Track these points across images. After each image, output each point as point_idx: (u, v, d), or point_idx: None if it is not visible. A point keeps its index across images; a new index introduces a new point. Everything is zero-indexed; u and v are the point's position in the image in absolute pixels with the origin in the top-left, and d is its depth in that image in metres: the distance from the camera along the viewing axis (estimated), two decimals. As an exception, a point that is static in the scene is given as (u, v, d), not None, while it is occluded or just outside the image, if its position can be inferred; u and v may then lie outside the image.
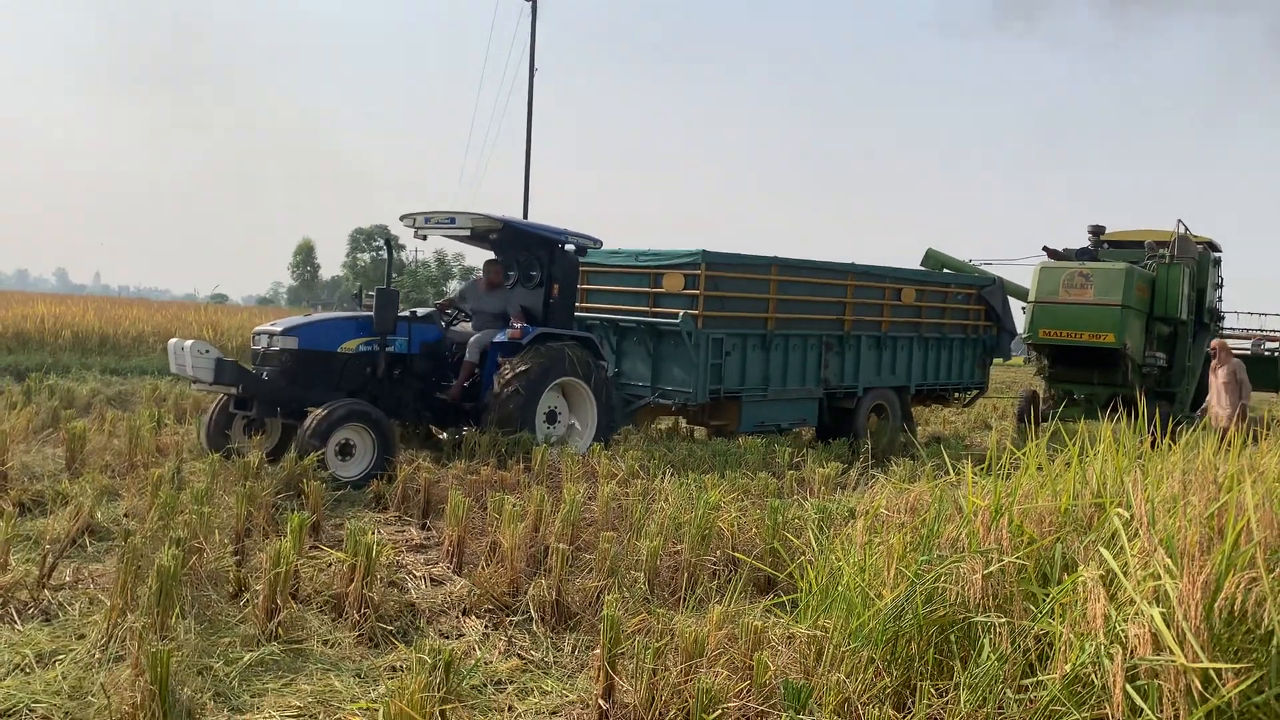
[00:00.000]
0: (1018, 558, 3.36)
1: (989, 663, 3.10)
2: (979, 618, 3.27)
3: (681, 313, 11.04)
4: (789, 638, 3.99)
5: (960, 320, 14.82)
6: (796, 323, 12.27)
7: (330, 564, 6.04)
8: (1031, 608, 3.26)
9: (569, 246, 10.74)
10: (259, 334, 9.56)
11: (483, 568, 5.79)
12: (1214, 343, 12.62)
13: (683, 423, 13.39)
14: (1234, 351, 13.37)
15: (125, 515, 6.94)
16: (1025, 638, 3.15)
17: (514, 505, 6.16)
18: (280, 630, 4.61)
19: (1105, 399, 17.58)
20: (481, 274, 11.05)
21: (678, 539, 5.75)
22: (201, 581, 5.09)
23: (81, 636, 4.50)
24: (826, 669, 3.54)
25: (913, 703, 3.25)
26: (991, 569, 3.35)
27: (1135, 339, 16.97)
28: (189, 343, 9.04)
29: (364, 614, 4.86)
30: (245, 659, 4.32)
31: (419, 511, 7.65)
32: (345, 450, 8.81)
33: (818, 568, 4.33)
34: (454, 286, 72.77)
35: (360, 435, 8.89)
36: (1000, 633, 3.15)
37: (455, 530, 6.29)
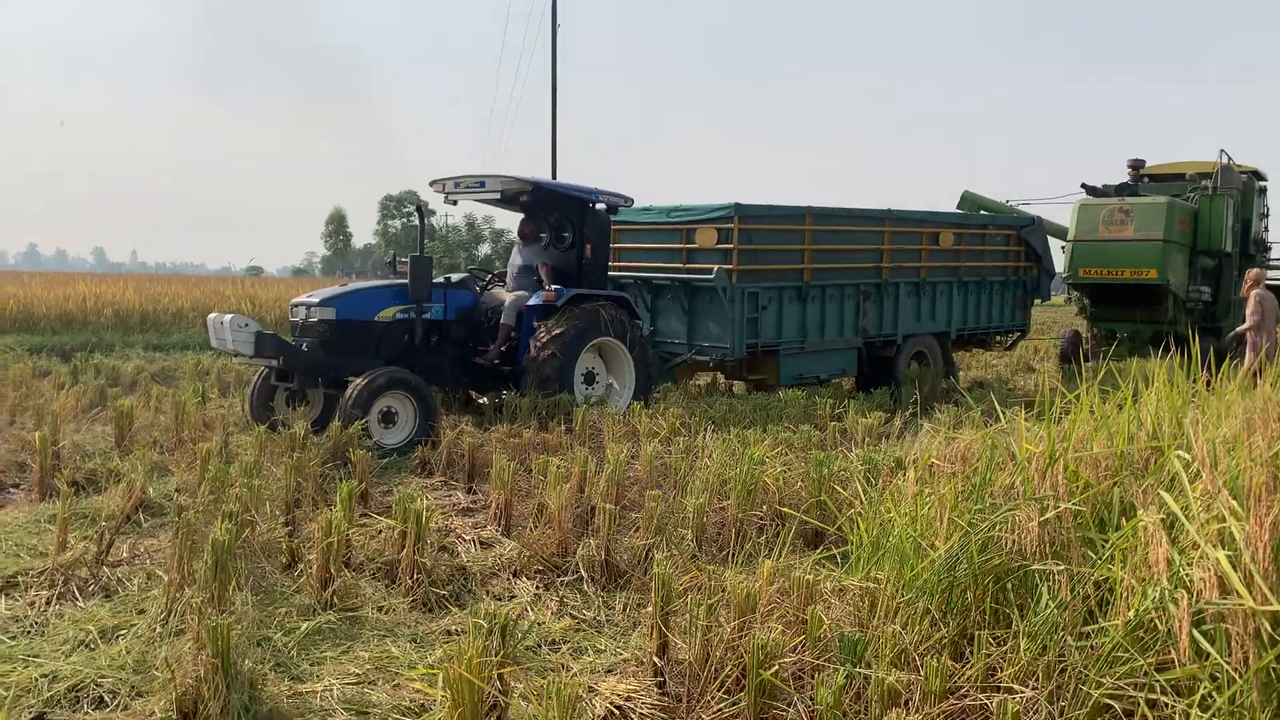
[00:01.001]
0: (1075, 504, 3.31)
1: (1048, 610, 3.07)
2: (1036, 565, 3.22)
3: (716, 268, 10.96)
4: (841, 591, 3.97)
5: (999, 262, 14.61)
6: (833, 273, 12.15)
7: (380, 531, 6.10)
8: (1090, 554, 3.22)
9: (600, 205, 10.67)
10: (296, 306, 9.61)
11: (530, 530, 5.82)
12: (1249, 272, 12.27)
13: (720, 378, 13.36)
14: (1270, 283, 12.95)
15: (176, 490, 7.04)
16: (1084, 584, 3.11)
17: (558, 467, 6.17)
18: (335, 599, 4.66)
19: (1149, 337, 17.33)
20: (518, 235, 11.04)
21: (723, 495, 5.74)
22: (255, 553, 5.15)
23: (142, 611, 4.58)
24: (881, 621, 3.52)
25: (970, 652, 3.23)
26: (1048, 516, 3.30)
27: (1179, 274, 16.65)
28: (228, 317, 9.11)
29: (417, 580, 4.90)
30: (303, 628, 4.37)
31: (464, 476, 7.70)
32: (388, 418, 8.87)
33: (868, 520, 4.30)
34: (485, 250, 72.97)
35: (402, 402, 8.94)
36: (1059, 580, 3.11)
37: (501, 493, 6.33)
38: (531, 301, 10.14)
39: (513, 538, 6.19)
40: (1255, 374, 11.37)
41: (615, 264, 11.80)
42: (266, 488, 6.17)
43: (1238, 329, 11.80)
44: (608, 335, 10.18)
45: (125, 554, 5.60)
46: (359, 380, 8.78)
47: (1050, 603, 3.10)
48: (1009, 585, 3.35)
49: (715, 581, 3.92)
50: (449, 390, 10.53)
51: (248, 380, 10.33)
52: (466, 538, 6.19)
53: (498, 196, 10.29)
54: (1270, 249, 20.01)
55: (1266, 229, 19.48)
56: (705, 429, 8.14)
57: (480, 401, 10.95)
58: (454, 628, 4.53)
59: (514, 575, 5.41)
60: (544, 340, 9.79)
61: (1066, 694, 2.87)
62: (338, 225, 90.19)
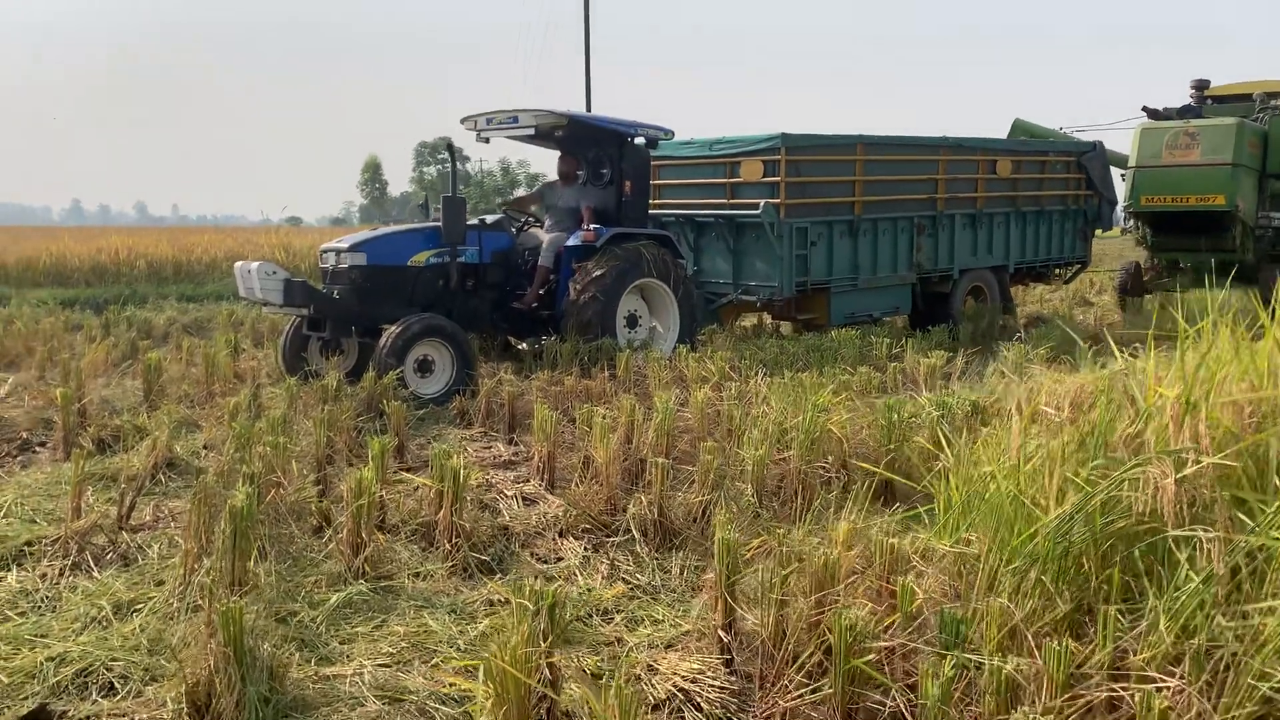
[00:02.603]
0: (1222, 458, 2.82)
1: (1192, 585, 2.59)
2: (1176, 531, 2.74)
3: (763, 203, 10.39)
4: (928, 555, 3.52)
5: (1059, 191, 13.87)
6: (885, 205, 11.53)
7: (416, 489, 5.73)
8: (1241, 517, 2.73)
9: (639, 140, 10.12)
10: (326, 252, 9.21)
11: (576, 485, 5.41)
12: None
13: (767, 319, 12.85)
14: None
15: (205, 447, 6.71)
16: (1236, 554, 2.63)
17: (604, 417, 5.74)
18: (367, 567, 4.29)
19: (1215, 267, 16.51)
20: (557, 172, 10.52)
21: (783, 445, 5.28)
22: (282, 517, 4.79)
23: (160, 583, 4.23)
24: (983, 594, 3.06)
25: (1093, 631, 2.77)
26: (1188, 472, 2.82)
27: (1248, 199, 15.77)
28: (255, 264, 8.73)
29: (455, 544, 4.51)
30: (332, 600, 4.00)
31: (504, 426, 7.32)
32: (424, 367, 8.49)
33: (957, 474, 3.83)
34: (519, 193, 72.27)
35: (438, 350, 8.55)
36: (1208, 549, 2.63)
37: (544, 446, 5.92)
38: (570, 242, 9.67)
39: (557, 493, 5.80)
40: None
41: (655, 201, 11.26)
42: (296, 444, 5.81)
43: None
44: (650, 276, 9.70)
45: (148, 517, 5.27)
46: (393, 328, 8.40)
47: (1194, 575, 2.62)
48: (1137, 553, 2.88)
49: (786, 546, 3.47)
50: (486, 337, 10.13)
51: (281, 330, 9.98)
52: (508, 493, 5.81)
53: (531, 132, 9.76)
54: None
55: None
56: (756, 373, 7.67)
57: (519, 347, 10.54)
58: (496, 597, 4.14)
59: (560, 535, 5.02)
60: (584, 283, 9.33)
61: (1222, 686, 2.41)
62: (373, 174, 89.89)
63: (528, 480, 6.10)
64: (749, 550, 3.74)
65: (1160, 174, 15.88)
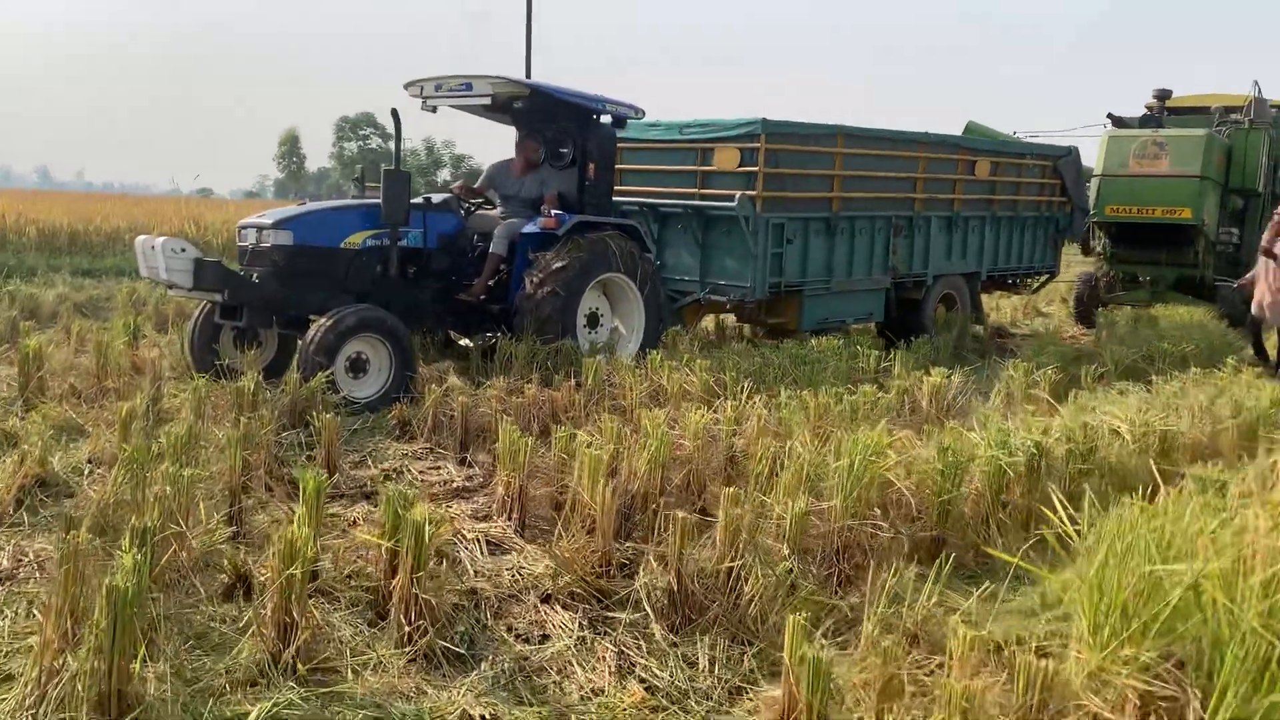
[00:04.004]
0: None
1: None
2: None
3: (738, 194, 9.41)
4: (1096, 680, 2.57)
5: (1034, 196, 13.19)
6: (864, 202, 10.66)
7: (357, 526, 4.65)
8: None
9: (605, 118, 9.06)
10: (246, 228, 7.96)
11: (558, 535, 4.36)
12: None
13: (727, 319, 11.91)
14: None
15: (89, 462, 5.48)
16: None
17: (591, 447, 4.71)
18: (299, 661, 3.18)
19: (1174, 281, 16.11)
20: (515, 154, 9.37)
21: (816, 491, 4.30)
22: (184, 577, 3.65)
23: (8, 678, 3.08)
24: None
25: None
26: None
27: (1211, 214, 15.39)
28: (160, 240, 7.45)
29: (417, 624, 3.43)
30: (251, 718, 2.90)
31: (455, 442, 6.23)
32: (357, 366, 7.34)
33: (1096, 558, 2.90)
34: (443, 176, 70.24)
35: (374, 347, 7.41)
36: None
37: (513, 477, 4.86)
38: (528, 229, 8.57)
39: (529, 537, 4.76)
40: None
41: (616, 187, 10.20)
42: (204, 469, 4.64)
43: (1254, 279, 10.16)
44: (616, 271, 8.66)
45: (5, 563, 4.08)
46: (322, 320, 7.24)
47: None
48: None
49: (894, 665, 2.49)
50: (426, 332, 8.97)
51: (190, 314, 8.70)
52: (468, 534, 4.74)
53: (487, 102, 8.62)
54: (1300, 192, 18.85)
55: (1293, 168, 18.28)
56: (744, 388, 6.70)
57: (462, 343, 9.41)
58: (473, 706, 3.08)
59: (544, 601, 3.97)
60: (543, 275, 8.25)
61: None
62: (291, 147, 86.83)
63: (490, 516, 5.05)
64: (854, 676, 2.75)
65: (1126, 184, 15.37)
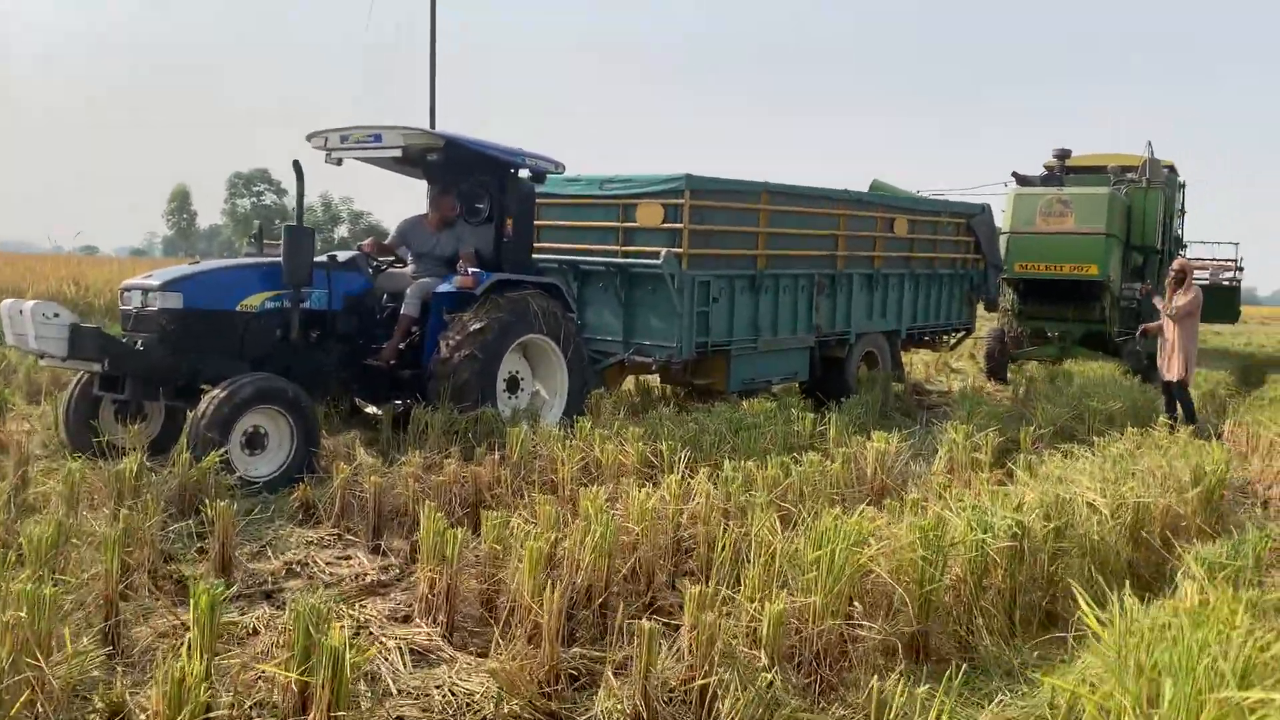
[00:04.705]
0: None
1: None
2: None
3: (664, 251, 9.03)
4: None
5: (950, 254, 13.17)
6: (789, 260, 10.40)
7: (258, 631, 4.02)
8: None
9: (524, 172, 8.62)
10: (130, 289, 7.24)
11: (497, 642, 3.79)
12: (1176, 263, 10.82)
13: (650, 381, 11.47)
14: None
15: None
16: None
17: (529, 534, 4.17)
18: (189, 837, 2.55)
19: (1080, 336, 16.35)
20: (428, 209, 8.82)
21: (790, 586, 3.83)
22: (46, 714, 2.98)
23: None
24: None
25: None
26: None
27: (1116, 270, 15.71)
28: (29, 304, 6.68)
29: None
30: None
31: (367, 528, 5.60)
32: (255, 442, 6.67)
33: (1127, 657, 2.49)
34: (341, 233, 68.72)
35: (273, 420, 6.74)
36: None
37: (440, 575, 4.28)
38: (442, 288, 8.02)
39: (459, 642, 4.17)
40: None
41: (535, 245, 9.72)
42: (73, 577, 3.94)
43: (1167, 310, 10.14)
44: (538, 332, 8.16)
45: None
46: (215, 391, 6.54)
47: None
48: None
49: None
50: (332, 401, 8.30)
51: (66, 384, 7.89)
52: (388, 641, 4.13)
53: (398, 154, 8.07)
54: (1187, 248, 19.45)
55: (1182, 227, 18.89)
56: (681, 457, 6.24)
57: (370, 412, 8.74)
58: None
59: (484, 728, 3.39)
60: (460, 337, 7.70)
61: None
62: (181, 203, 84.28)
63: (412, 618, 4.44)
64: None
65: (1035, 241, 15.59)
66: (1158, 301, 10.47)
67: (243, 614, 4.44)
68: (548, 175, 8.79)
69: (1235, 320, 21.34)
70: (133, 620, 4.14)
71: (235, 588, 4.68)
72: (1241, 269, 20.56)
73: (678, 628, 4.02)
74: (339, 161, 8.39)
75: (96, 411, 7.20)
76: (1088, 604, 2.92)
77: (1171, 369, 10.00)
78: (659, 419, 7.67)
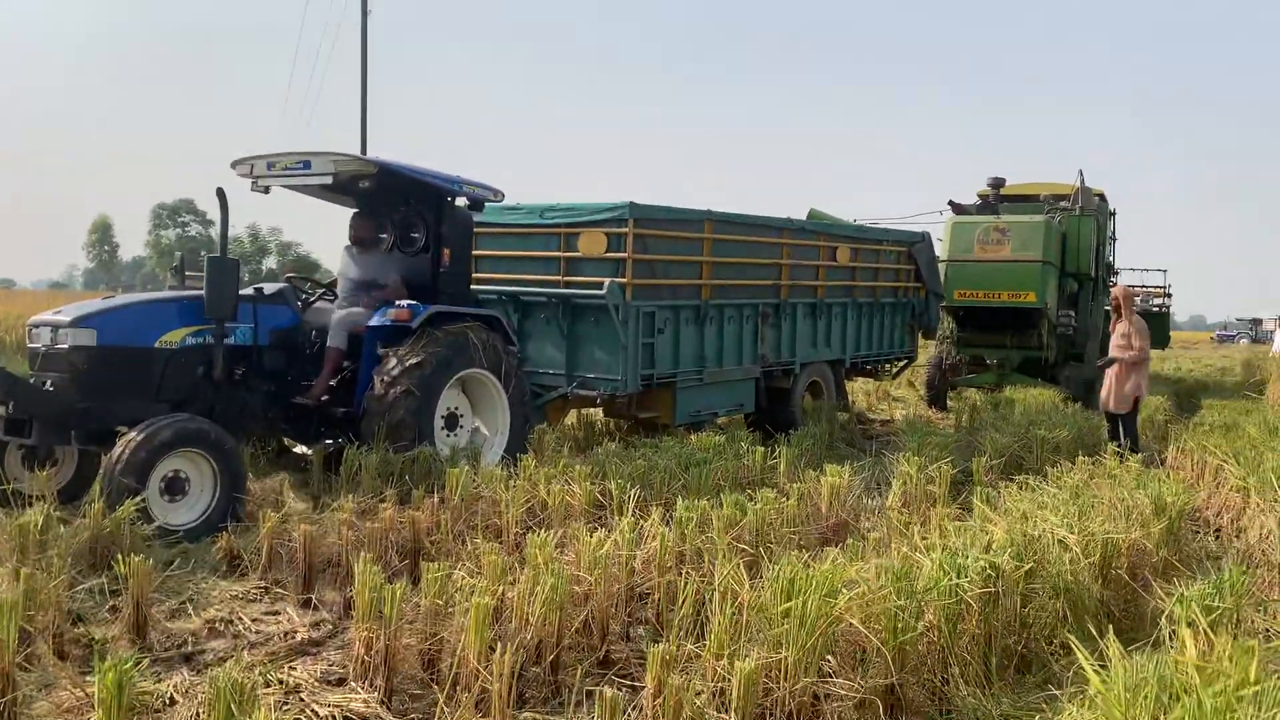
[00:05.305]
0: None
1: None
2: None
3: (607, 282, 8.78)
4: None
5: (892, 282, 13.13)
6: (733, 290, 10.22)
7: (175, 701, 3.63)
8: None
9: (462, 200, 8.32)
10: (38, 326, 6.77)
11: (442, 710, 3.45)
12: (1116, 290, 10.75)
13: (593, 414, 11.17)
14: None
15: None
16: None
17: (476, 590, 3.85)
18: None
19: (1019, 363, 16.46)
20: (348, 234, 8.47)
21: (760, 640, 3.56)
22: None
23: None
24: None
25: None
26: None
27: (1053, 298, 15.85)
28: (-75, 343, 6.18)
29: None
30: None
31: (297, 580, 5.21)
32: (174, 487, 6.23)
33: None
34: (270, 264, 67.30)
35: (195, 464, 6.32)
36: None
37: (375, 634, 3.93)
38: (374, 321, 7.65)
39: (399, 708, 3.83)
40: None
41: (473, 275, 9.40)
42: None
43: (1126, 356, 10.15)
44: (478, 366, 7.83)
45: None
46: (131, 434, 6.10)
47: None
48: None
49: None
50: (258, 441, 7.86)
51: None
52: (320, 709, 3.77)
53: (328, 181, 7.72)
54: (1119, 274, 19.78)
55: (1114, 254, 19.21)
56: (630, 497, 5.95)
57: (299, 452, 8.32)
58: None
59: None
60: (395, 373, 7.33)
61: None
62: (102, 234, 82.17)
63: (347, 680, 4.08)
64: None
65: (972, 269, 15.67)
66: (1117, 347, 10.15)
67: (158, 681, 4.04)
68: (486, 204, 8.50)
69: (1165, 346, 21.72)
70: (33, 695, 3.73)
71: (151, 652, 4.28)
72: (1170, 295, 20.96)
73: (636, 688, 3.74)
74: (266, 189, 8.01)
75: (2, 458, 6.71)
76: (1086, 658, 2.69)
77: (1122, 401, 9.90)
78: (606, 456, 7.39)
